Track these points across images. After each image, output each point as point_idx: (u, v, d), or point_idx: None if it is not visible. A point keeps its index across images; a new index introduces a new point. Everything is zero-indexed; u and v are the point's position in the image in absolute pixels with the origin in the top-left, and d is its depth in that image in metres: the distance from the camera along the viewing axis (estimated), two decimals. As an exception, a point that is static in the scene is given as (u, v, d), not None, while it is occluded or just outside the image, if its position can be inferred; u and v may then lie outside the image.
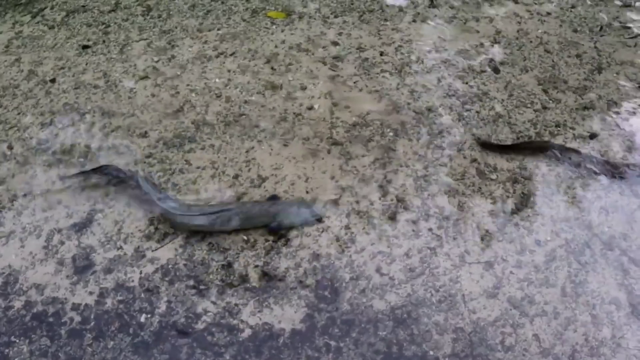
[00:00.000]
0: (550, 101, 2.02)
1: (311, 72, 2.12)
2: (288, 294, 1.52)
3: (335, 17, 2.38)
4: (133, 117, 1.97)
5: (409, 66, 2.14)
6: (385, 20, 2.36)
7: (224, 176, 1.78)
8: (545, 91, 2.06)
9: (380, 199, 1.71)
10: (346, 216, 1.67)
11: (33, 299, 1.53)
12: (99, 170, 1.77)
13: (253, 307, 1.50)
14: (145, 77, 2.13)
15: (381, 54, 2.20)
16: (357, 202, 1.71)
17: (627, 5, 2.48)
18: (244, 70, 2.14)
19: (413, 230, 1.64)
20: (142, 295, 1.52)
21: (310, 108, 1.99)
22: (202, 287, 1.54)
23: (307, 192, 1.73)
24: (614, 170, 1.78)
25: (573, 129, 1.93)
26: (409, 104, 2.00)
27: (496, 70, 2.14)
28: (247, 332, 1.45)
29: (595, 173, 1.78)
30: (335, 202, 1.70)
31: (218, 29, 2.34)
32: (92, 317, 1.49)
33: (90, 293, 1.53)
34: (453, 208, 1.69)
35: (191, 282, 1.54)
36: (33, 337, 1.46)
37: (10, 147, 1.90)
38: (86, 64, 2.20)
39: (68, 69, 2.19)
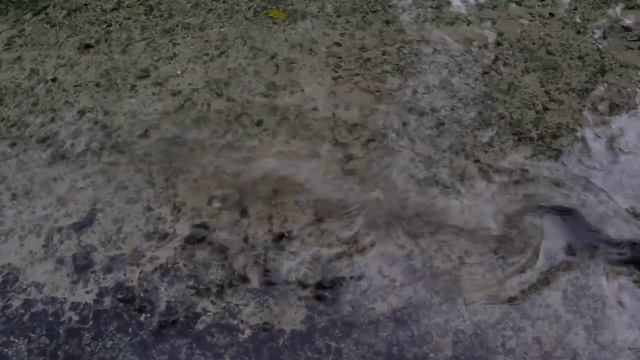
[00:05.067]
0: (552, 102, 2.02)
1: (313, 72, 2.12)
2: (288, 295, 1.51)
3: (338, 17, 2.37)
4: (133, 116, 1.97)
5: (411, 67, 2.14)
6: (388, 21, 2.36)
7: (225, 175, 1.77)
8: (547, 93, 2.05)
9: (381, 199, 1.71)
10: (347, 216, 1.67)
11: (32, 297, 1.52)
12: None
13: (253, 308, 1.49)
14: (147, 76, 2.13)
15: (383, 54, 2.19)
16: (359, 202, 1.70)
17: (629, 8, 2.48)
18: (245, 69, 2.14)
19: (414, 231, 1.63)
20: (142, 294, 1.52)
21: (312, 108, 1.98)
22: (201, 287, 1.53)
23: (308, 192, 1.73)
24: None
25: (575, 130, 1.92)
26: (410, 104, 1.99)
27: (499, 72, 2.14)
28: (247, 332, 1.45)
29: None
30: (337, 203, 1.70)
31: (220, 28, 2.34)
32: (91, 316, 1.48)
33: (90, 292, 1.53)
34: (454, 209, 1.69)
35: (191, 282, 1.54)
36: (32, 336, 1.45)
37: (11, 145, 1.90)
38: (88, 63, 2.20)
39: (70, 67, 2.19)
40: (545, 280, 1.53)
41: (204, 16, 2.41)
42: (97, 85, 2.10)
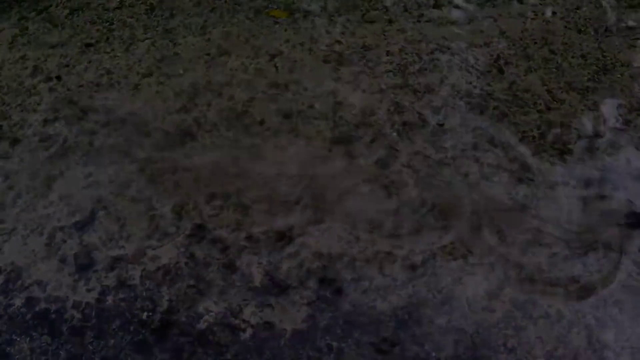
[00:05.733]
0: (554, 102, 2.01)
1: (314, 71, 2.12)
2: (290, 294, 1.52)
3: (339, 15, 2.37)
4: (136, 115, 1.98)
5: (413, 66, 2.14)
6: (390, 20, 2.35)
7: (226, 174, 1.78)
8: (549, 92, 2.05)
9: (382, 198, 1.71)
10: (349, 216, 1.67)
11: (35, 296, 1.53)
12: None
13: (254, 307, 1.49)
14: (149, 75, 2.13)
15: (386, 53, 2.19)
16: (360, 202, 1.70)
17: (632, 7, 2.47)
18: (247, 68, 2.14)
19: (416, 230, 1.64)
20: (144, 293, 1.52)
21: (313, 107, 1.98)
22: (203, 286, 1.53)
23: (309, 191, 1.73)
24: None
25: (577, 129, 1.92)
26: (412, 104, 1.99)
27: (500, 71, 2.14)
28: (249, 331, 1.45)
29: None
30: (339, 202, 1.70)
31: (222, 27, 2.34)
32: (93, 315, 1.49)
33: (92, 291, 1.53)
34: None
35: (192, 281, 1.54)
36: (34, 334, 1.46)
37: (13, 144, 1.91)
38: (89, 62, 2.20)
39: (72, 66, 2.19)
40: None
41: (206, 15, 2.41)
42: (100, 84, 2.11)
